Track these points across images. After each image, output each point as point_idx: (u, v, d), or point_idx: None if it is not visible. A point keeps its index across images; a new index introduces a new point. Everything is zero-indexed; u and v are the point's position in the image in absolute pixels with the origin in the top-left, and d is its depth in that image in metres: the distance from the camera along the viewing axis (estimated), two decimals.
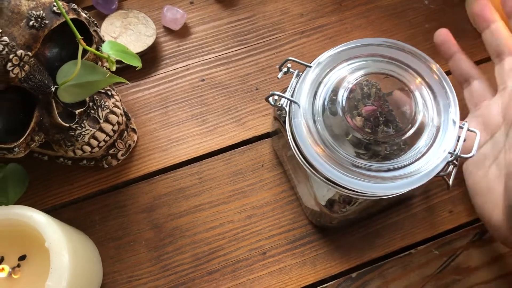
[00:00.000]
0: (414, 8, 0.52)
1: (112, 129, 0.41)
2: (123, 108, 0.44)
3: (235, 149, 0.46)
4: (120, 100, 0.44)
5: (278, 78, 0.36)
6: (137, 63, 0.38)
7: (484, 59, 0.50)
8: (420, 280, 0.42)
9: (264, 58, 0.49)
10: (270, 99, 0.35)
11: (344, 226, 0.43)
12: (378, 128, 0.33)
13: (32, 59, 0.34)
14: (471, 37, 0.51)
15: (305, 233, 0.43)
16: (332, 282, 0.42)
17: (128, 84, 0.48)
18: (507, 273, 0.42)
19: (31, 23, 0.33)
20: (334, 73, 0.35)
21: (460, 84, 0.43)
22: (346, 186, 0.32)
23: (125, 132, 0.44)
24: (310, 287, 0.42)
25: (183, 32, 0.51)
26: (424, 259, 0.42)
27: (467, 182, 0.40)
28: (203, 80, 0.49)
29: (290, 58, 0.36)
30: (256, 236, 0.43)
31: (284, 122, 0.36)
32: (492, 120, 0.39)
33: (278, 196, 0.44)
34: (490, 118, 0.39)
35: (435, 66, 0.35)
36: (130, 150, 0.45)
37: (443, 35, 0.43)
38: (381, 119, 0.33)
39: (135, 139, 0.46)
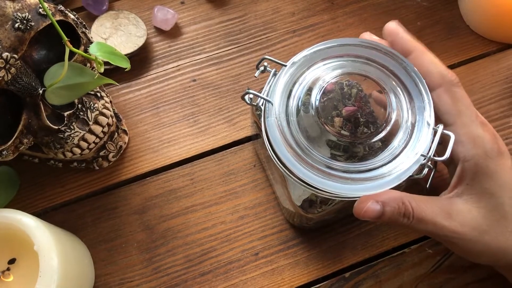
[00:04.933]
0: (407, 6, 0.52)
1: (102, 131, 0.41)
2: (113, 109, 0.44)
3: (227, 150, 0.46)
4: (110, 101, 0.43)
5: (255, 77, 0.36)
6: (125, 64, 0.37)
7: (478, 56, 0.50)
8: (414, 280, 0.42)
9: (256, 58, 0.49)
10: (246, 97, 0.35)
11: (321, 227, 0.43)
12: (358, 129, 0.33)
13: (18, 61, 0.34)
14: (464, 34, 0.50)
15: (297, 233, 0.43)
16: (325, 282, 0.42)
17: (117, 85, 0.48)
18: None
19: (16, 25, 0.33)
20: (310, 73, 0.34)
21: None
22: (319, 187, 0.32)
23: (116, 133, 0.44)
24: (303, 287, 0.42)
25: (174, 33, 0.50)
26: (417, 258, 0.42)
27: None
28: (194, 80, 0.48)
29: (266, 56, 0.35)
30: (249, 237, 0.43)
31: (261, 121, 0.36)
32: None
33: (271, 197, 0.44)
34: None
35: (411, 68, 0.35)
36: (121, 151, 0.45)
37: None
38: (362, 120, 0.33)
39: (126, 141, 0.45)
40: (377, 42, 0.36)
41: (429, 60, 0.34)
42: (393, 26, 0.35)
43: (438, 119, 0.34)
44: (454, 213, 0.32)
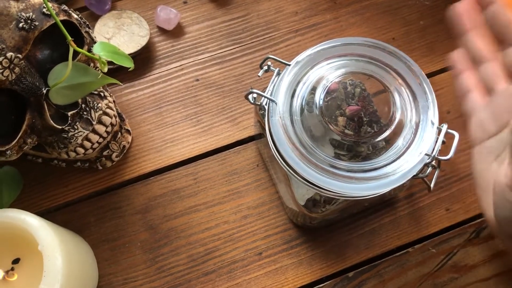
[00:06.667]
0: (409, 5, 0.52)
1: (106, 131, 0.41)
2: (116, 109, 0.44)
3: (230, 149, 0.46)
4: (114, 101, 0.43)
5: (259, 76, 0.36)
6: (129, 64, 0.37)
7: None
8: (417, 279, 0.42)
9: (259, 57, 0.49)
10: (250, 97, 0.35)
11: (325, 226, 0.43)
12: (361, 128, 0.33)
13: (22, 61, 0.34)
14: None
15: (301, 233, 0.43)
16: (328, 282, 0.42)
17: (120, 85, 0.48)
18: (504, 270, 0.42)
19: (20, 25, 0.33)
20: (313, 72, 0.34)
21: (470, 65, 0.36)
22: (322, 187, 0.32)
23: (119, 133, 0.44)
24: (306, 287, 0.42)
25: (177, 32, 0.50)
26: (421, 257, 0.42)
27: (473, 170, 0.36)
28: (197, 80, 0.48)
29: (270, 56, 0.36)
30: (252, 237, 0.43)
31: (265, 121, 0.36)
32: (501, 114, 0.34)
33: (274, 196, 0.44)
34: (500, 111, 0.34)
35: (415, 67, 0.35)
36: (125, 151, 0.45)
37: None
38: (365, 119, 0.33)
39: (130, 140, 0.45)
40: (381, 42, 0.36)
41: None
42: None
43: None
44: None
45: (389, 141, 0.33)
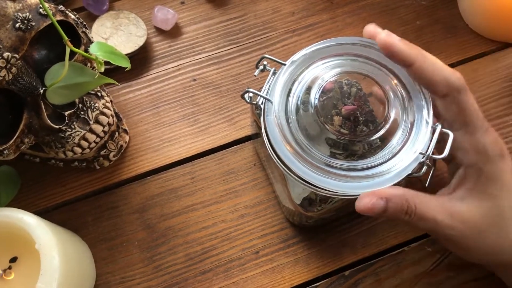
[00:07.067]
0: (406, 5, 0.52)
1: (103, 130, 0.41)
2: (114, 109, 0.44)
3: (227, 149, 0.46)
4: (111, 101, 0.44)
5: (255, 76, 0.36)
6: (126, 64, 0.37)
7: (477, 55, 0.50)
8: (413, 278, 0.42)
9: (256, 57, 0.49)
10: (246, 96, 0.35)
11: (321, 225, 0.43)
12: (357, 128, 0.33)
13: (19, 61, 0.34)
14: (463, 33, 0.51)
15: (298, 232, 0.43)
16: (325, 281, 0.42)
17: (117, 85, 0.48)
18: None
19: (17, 25, 0.33)
20: (309, 71, 0.35)
21: None
22: (318, 186, 0.32)
23: (116, 133, 0.44)
24: (303, 285, 0.42)
25: (174, 32, 0.50)
26: (417, 256, 0.42)
27: None
28: (194, 80, 0.49)
29: (266, 55, 0.36)
30: (249, 236, 0.43)
31: (261, 120, 0.36)
32: None
33: (271, 195, 0.44)
34: None
35: None
36: (122, 151, 0.45)
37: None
38: (361, 119, 0.33)
39: (127, 140, 0.46)
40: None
41: (432, 68, 0.33)
42: (386, 38, 0.33)
43: (443, 122, 0.34)
44: (455, 213, 0.33)
45: (384, 140, 0.33)
